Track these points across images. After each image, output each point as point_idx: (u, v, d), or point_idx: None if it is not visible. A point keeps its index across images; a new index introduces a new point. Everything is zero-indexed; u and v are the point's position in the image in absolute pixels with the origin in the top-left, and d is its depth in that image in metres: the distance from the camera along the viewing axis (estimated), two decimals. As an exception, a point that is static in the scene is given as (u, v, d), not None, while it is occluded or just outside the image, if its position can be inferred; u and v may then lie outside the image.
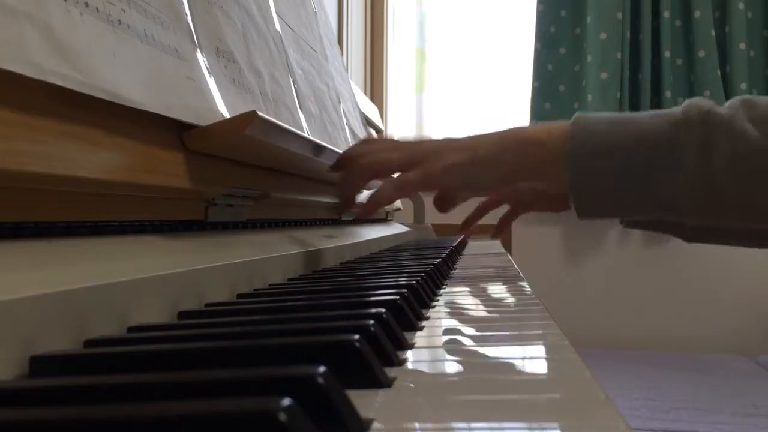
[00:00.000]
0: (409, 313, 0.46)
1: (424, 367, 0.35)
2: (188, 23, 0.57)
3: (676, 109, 0.65)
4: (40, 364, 0.31)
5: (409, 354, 0.38)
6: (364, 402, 0.27)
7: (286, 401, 0.20)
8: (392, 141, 0.78)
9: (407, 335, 0.42)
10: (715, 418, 1.54)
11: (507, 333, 0.45)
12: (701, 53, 2.42)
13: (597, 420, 0.25)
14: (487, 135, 0.73)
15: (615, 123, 0.65)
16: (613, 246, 2.45)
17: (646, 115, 0.66)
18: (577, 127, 0.66)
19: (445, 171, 0.70)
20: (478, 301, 0.64)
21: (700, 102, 0.64)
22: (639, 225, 0.92)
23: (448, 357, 0.38)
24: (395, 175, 0.74)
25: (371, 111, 1.71)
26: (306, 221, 0.96)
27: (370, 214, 0.74)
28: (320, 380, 0.24)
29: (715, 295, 2.37)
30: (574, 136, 0.65)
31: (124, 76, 0.44)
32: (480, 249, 1.38)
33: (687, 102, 0.65)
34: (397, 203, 1.82)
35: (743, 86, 2.41)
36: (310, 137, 0.73)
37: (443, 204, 0.81)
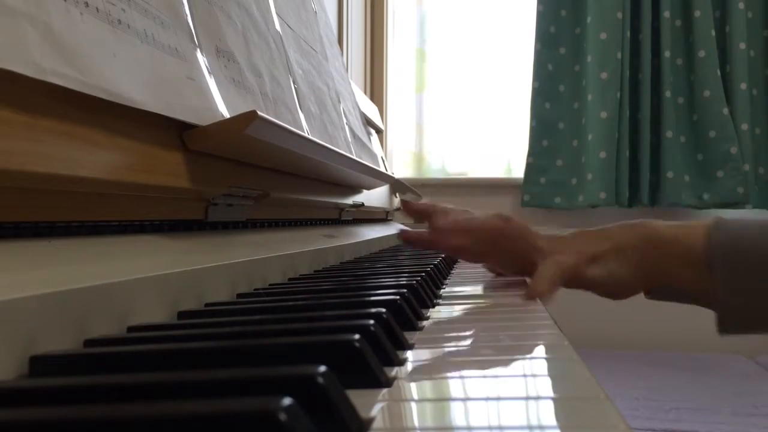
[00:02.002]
0: (409, 313, 0.46)
1: (424, 367, 0.35)
2: (188, 23, 0.57)
3: None
4: (40, 364, 0.31)
5: (409, 354, 0.38)
6: (364, 402, 0.27)
7: (287, 401, 0.20)
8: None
9: (407, 335, 0.42)
10: (715, 418, 1.54)
11: (507, 333, 0.45)
12: (701, 53, 2.42)
13: (597, 420, 0.25)
14: (613, 227, 0.69)
15: (760, 230, 0.60)
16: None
17: None
18: (721, 236, 0.60)
19: (590, 258, 0.66)
20: (477, 301, 0.64)
21: None
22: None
23: (448, 357, 0.38)
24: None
25: (371, 111, 1.71)
26: (306, 221, 0.96)
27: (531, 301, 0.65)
28: (320, 380, 0.23)
29: (715, 295, 2.37)
30: (720, 246, 0.60)
31: (125, 76, 0.44)
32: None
33: None
34: (397, 203, 1.82)
35: (743, 86, 2.41)
36: (310, 137, 0.73)
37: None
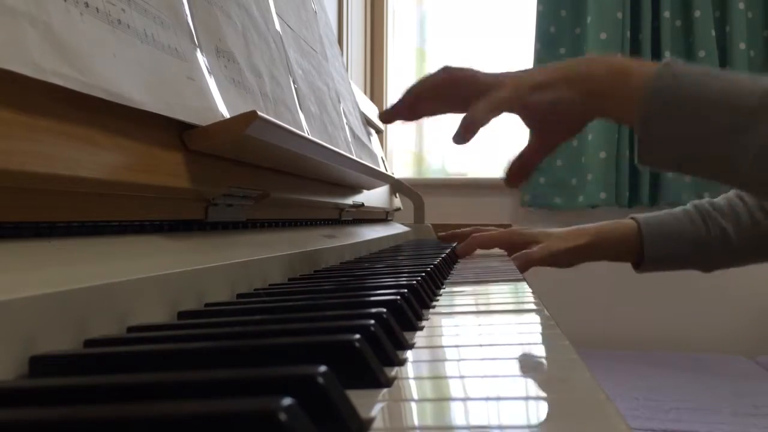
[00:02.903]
0: (409, 313, 0.46)
1: (424, 367, 0.35)
2: (188, 23, 0.57)
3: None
4: (40, 364, 0.31)
5: (409, 354, 0.38)
6: (364, 402, 0.27)
7: (287, 401, 0.20)
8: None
9: (407, 335, 0.42)
10: (715, 418, 1.54)
11: (507, 333, 0.45)
12: (701, 53, 2.42)
13: (597, 420, 0.25)
14: (574, 60, 0.73)
15: (705, 74, 0.64)
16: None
17: (740, 76, 0.65)
18: (666, 68, 0.65)
19: (534, 87, 0.69)
20: (477, 301, 0.64)
21: None
22: (658, 265, 1.00)
23: (448, 357, 0.38)
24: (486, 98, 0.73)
25: (371, 111, 1.71)
26: (306, 221, 0.96)
27: (467, 140, 0.74)
28: (320, 380, 0.23)
29: (715, 295, 2.37)
30: (661, 75, 0.64)
31: (124, 76, 0.44)
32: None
33: None
34: (397, 203, 1.82)
35: (743, 86, 2.41)
36: (310, 137, 0.73)
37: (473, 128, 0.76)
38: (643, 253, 1.00)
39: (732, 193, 1.01)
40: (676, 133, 0.64)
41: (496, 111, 0.71)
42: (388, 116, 0.81)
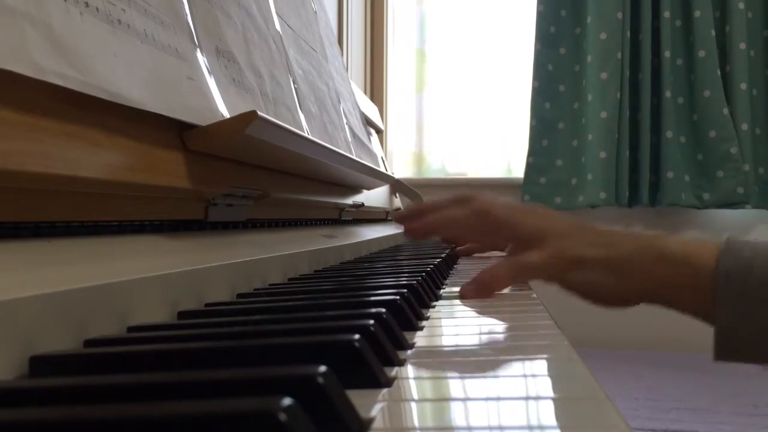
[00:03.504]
0: (409, 313, 0.46)
1: (424, 367, 0.35)
2: (188, 23, 0.57)
3: None
4: (40, 364, 0.31)
5: (409, 354, 0.38)
6: (364, 402, 0.27)
7: (287, 401, 0.20)
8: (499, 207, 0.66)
9: (407, 335, 0.42)
10: (715, 418, 1.54)
11: (507, 333, 0.45)
12: (701, 53, 2.42)
13: (597, 420, 0.25)
14: (622, 235, 0.62)
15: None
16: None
17: None
18: (731, 260, 0.56)
19: (573, 262, 0.60)
20: (478, 301, 0.64)
21: None
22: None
23: (448, 357, 0.38)
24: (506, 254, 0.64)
25: (371, 111, 1.71)
26: (306, 221, 0.96)
27: (480, 297, 0.62)
28: (320, 380, 0.23)
29: (715, 295, 2.36)
30: (729, 272, 0.56)
31: (125, 76, 0.44)
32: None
33: None
34: (397, 203, 1.82)
35: (743, 86, 2.41)
36: (310, 137, 0.73)
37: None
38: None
39: None
40: (754, 323, 0.56)
41: (522, 277, 0.63)
42: (403, 221, 0.70)
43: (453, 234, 0.71)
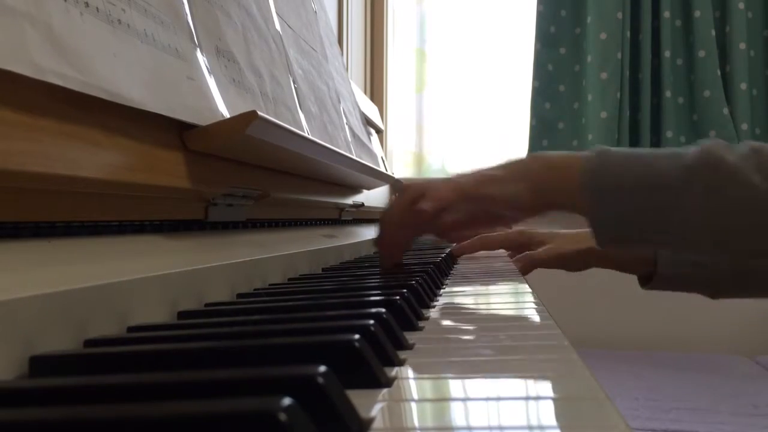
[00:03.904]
0: (409, 313, 0.46)
1: (423, 367, 0.35)
2: (188, 23, 0.57)
3: (692, 152, 0.67)
4: (40, 364, 0.31)
5: (409, 354, 0.38)
6: (364, 402, 0.27)
7: (287, 401, 0.20)
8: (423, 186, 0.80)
9: (407, 335, 0.42)
10: (715, 418, 1.54)
11: (507, 333, 0.45)
12: (701, 53, 2.42)
13: (597, 420, 0.25)
14: (522, 157, 0.79)
15: (631, 158, 0.69)
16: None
17: (662, 154, 0.69)
18: (593, 158, 0.69)
19: (479, 184, 0.76)
20: (478, 301, 0.64)
21: (714, 147, 0.67)
22: (667, 284, 1.01)
23: (448, 357, 0.38)
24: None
25: (371, 111, 1.71)
26: (306, 221, 0.96)
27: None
28: (320, 380, 0.23)
29: (715, 295, 2.37)
30: (588, 167, 0.69)
31: (125, 76, 0.44)
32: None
33: (702, 146, 0.67)
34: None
35: (743, 86, 2.41)
36: (311, 137, 0.73)
37: (453, 231, 0.83)
38: (656, 268, 0.99)
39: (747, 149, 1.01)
40: (616, 214, 0.68)
41: (450, 200, 0.76)
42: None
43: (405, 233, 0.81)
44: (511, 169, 0.77)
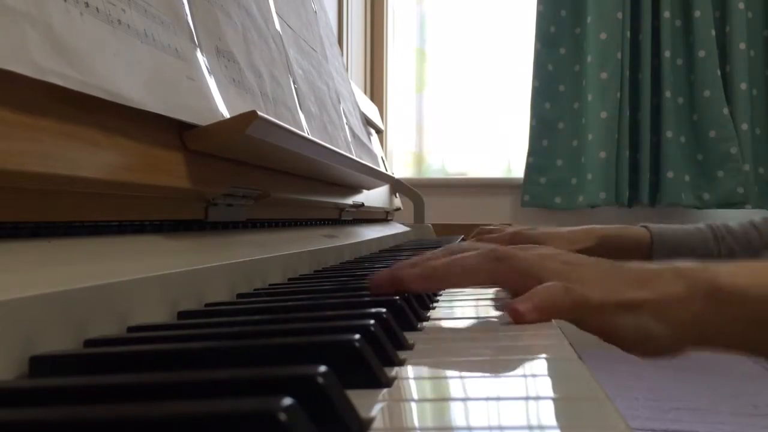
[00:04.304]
0: (409, 313, 0.46)
1: (423, 367, 0.35)
2: (188, 23, 0.57)
3: None
4: (40, 364, 0.31)
5: (409, 354, 0.38)
6: (364, 402, 0.27)
7: (287, 401, 0.20)
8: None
9: (407, 335, 0.42)
10: (715, 418, 1.54)
11: (507, 333, 0.45)
12: (701, 53, 2.42)
13: (597, 420, 0.25)
14: (655, 268, 0.52)
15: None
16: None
17: None
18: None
19: (619, 305, 0.50)
20: (478, 301, 0.64)
21: None
22: None
23: (448, 357, 0.38)
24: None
25: (371, 111, 1.71)
26: (306, 221, 0.96)
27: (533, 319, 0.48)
28: (320, 380, 0.23)
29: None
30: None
31: (124, 76, 0.44)
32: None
33: None
34: (397, 203, 1.82)
35: (743, 86, 2.41)
36: (310, 137, 0.73)
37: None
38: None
39: (747, 221, 1.00)
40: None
41: (576, 310, 0.50)
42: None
43: (464, 283, 0.55)
44: (656, 289, 0.50)
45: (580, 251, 0.88)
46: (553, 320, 0.48)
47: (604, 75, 2.43)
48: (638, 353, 0.52)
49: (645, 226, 1.03)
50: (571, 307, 0.49)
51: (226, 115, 0.58)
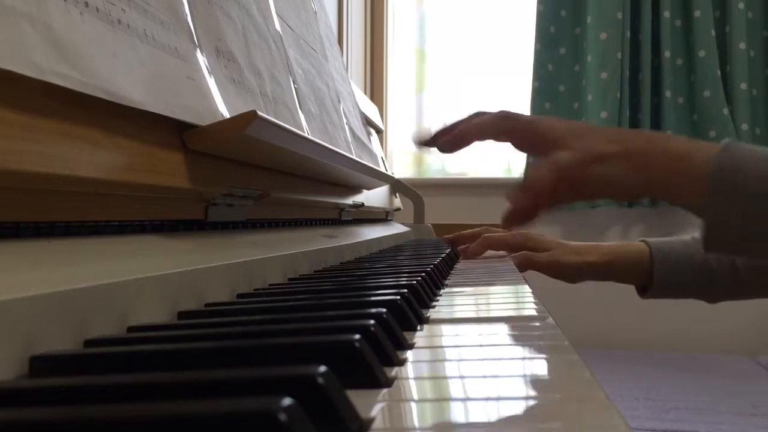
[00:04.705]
0: (409, 313, 0.46)
1: (424, 367, 0.35)
2: (188, 23, 0.57)
3: None
4: (40, 364, 0.31)
5: (409, 354, 0.38)
6: (364, 402, 0.27)
7: (287, 401, 0.20)
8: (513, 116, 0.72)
9: (407, 335, 0.42)
10: (715, 418, 1.54)
11: (507, 333, 0.45)
12: (701, 53, 2.42)
13: (597, 420, 0.25)
14: (632, 132, 0.72)
15: (766, 158, 0.62)
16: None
17: None
18: (726, 157, 0.62)
19: (596, 157, 0.65)
20: (478, 301, 0.64)
21: None
22: (665, 292, 1.02)
23: (448, 357, 0.38)
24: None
25: (371, 111, 1.72)
26: (306, 221, 0.96)
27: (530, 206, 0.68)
28: (320, 380, 0.23)
29: (715, 295, 2.36)
30: (722, 167, 0.62)
31: (124, 76, 0.44)
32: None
33: None
34: (397, 203, 1.82)
35: (743, 86, 2.41)
36: (310, 137, 0.73)
37: (525, 217, 0.70)
38: (652, 278, 1.00)
39: None
40: (742, 217, 0.61)
41: (558, 175, 0.66)
42: (425, 143, 0.75)
43: (479, 138, 0.72)
44: (625, 144, 0.66)
45: (586, 264, 1.04)
46: (552, 320, 0.48)
47: (604, 75, 2.43)
48: (612, 196, 0.69)
49: (644, 241, 1.04)
50: (554, 173, 0.66)
51: (226, 115, 0.58)
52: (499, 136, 0.71)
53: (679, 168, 0.64)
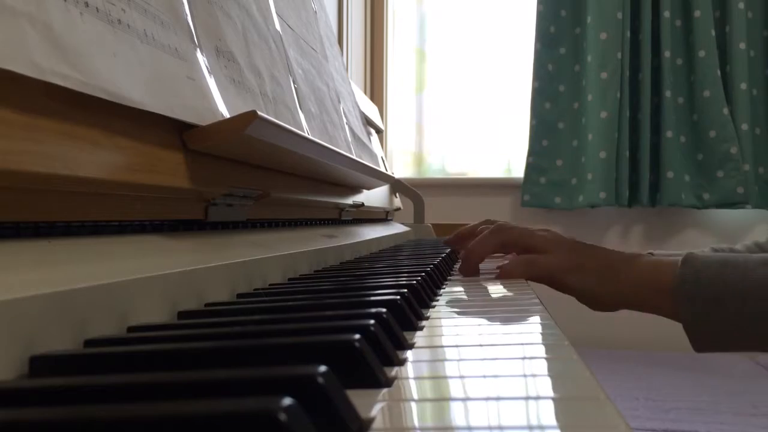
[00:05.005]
0: (409, 313, 0.46)
1: (424, 367, 0.35)
2: (188, 23, 0.57)
3: None
4: (40, 364, 0.31)
5: (409, 354, 0.38)
6: (364, 402, 0.27)
7: (287, 401, 0.20)
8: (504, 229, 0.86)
9: (407, 335, 0.42)
10: (715, 418, 1.54)
11: (507, 333, 0.45)
12: (701, 53, 2.42)
13: (597, 420, 0.25)
14: (608, 250, 0.82)
15: (725, 266, 0.70)
16: (613, 246, 2.45)
17: (755, 261, 0.70)
18: (687, 269, 0.71)
19: (574, 267, 0.78)
20: (478, 301, 0.64)
21: None
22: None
23: (448, 357, 0.38)
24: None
25: (371, 111, 1.72)
26: (306, 221, 0.96)
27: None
28: (320, 380, 0.23)
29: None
30: (684, 278, 0.70)
31: (124, 76, 0.44)
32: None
33: None
34: (397, 203, 1.82)
35: (743, 86, 2.41)
36: (310, 137, 0.73)
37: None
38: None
39: (751, 242, 0.99)
40: (713, 324, 0.69)
41: (533, 272, 0.80)
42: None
43: (483, 253, 0.87)
44: (598, 263, 0.78)
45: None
46: (552, 320, 0.48)
47: (604, 75, 2.43)
48: (590, 306, 0.82)
49: (651, 254, 1.03)
50: (528, 269, 0.79)
51: (226, 115, 0.58)
52: (497, 248, 0.86)
53: (648, 281, 0.75)
